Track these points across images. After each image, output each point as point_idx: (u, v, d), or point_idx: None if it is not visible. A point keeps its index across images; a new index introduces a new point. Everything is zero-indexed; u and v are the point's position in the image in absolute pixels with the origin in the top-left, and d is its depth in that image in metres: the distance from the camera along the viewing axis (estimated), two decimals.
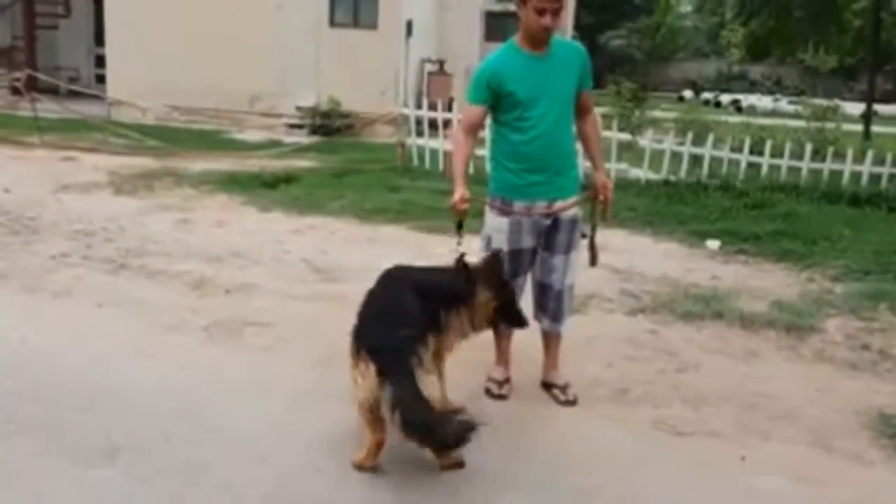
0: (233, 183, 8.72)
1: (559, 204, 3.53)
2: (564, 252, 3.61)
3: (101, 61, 16.29)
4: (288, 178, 9.05)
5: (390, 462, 3.11)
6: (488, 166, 3.99)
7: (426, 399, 2.86)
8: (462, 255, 3.33)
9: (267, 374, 3.94)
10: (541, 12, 3.28)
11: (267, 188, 8.60)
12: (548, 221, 3.56)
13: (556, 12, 3.30)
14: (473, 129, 3.57)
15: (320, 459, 3.15)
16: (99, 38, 16.44)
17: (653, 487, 2.92)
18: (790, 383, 4.09)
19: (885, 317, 5.10)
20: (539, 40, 3.42)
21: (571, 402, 3.70)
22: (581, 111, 3.65)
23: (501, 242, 3.57)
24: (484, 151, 7.43)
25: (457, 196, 3.37)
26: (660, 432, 3.46)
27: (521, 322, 3.47)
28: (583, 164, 5.41)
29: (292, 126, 14.45)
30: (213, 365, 4.01)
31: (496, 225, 3.61)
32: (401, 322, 3.08)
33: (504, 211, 3.58)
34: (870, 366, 4.40)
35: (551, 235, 3.59)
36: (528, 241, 3.60)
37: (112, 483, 2.92)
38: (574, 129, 3.69)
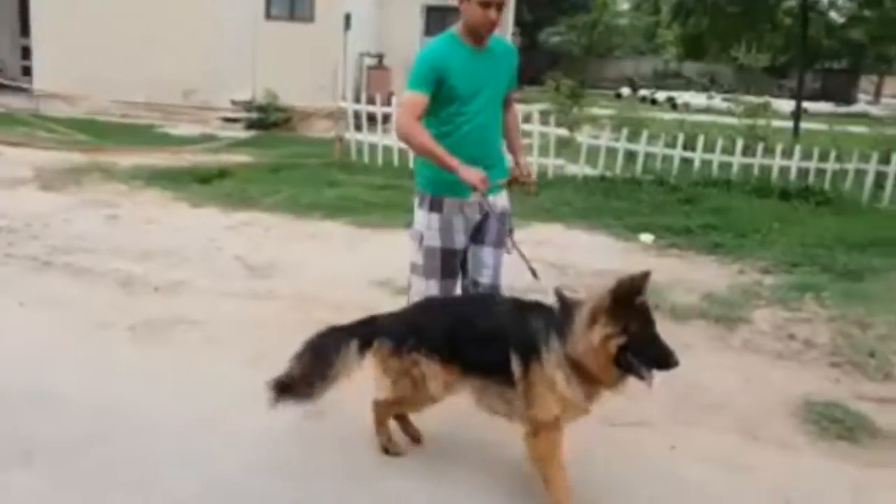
0: (164, 178, 8.51)
1: (491, 198, 3.35)
2: (494, 245, 3.50)
3: (27, 53, 15.75)
4: (222, 173, 8.87)
5: (320, 459, 3.07)
6: (413, 161, 3.85)
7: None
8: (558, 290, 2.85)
9: (195, 373, 3.83)
10: (486, 6, 3.18)
11: (200, 183, 8.41)
12: (479, 217, 3.45)
13: (500, 7, 3.21)
14: (420, 119, 3.31)
15: (251, 457, 3.08)
16: (25, 29, 15.90)
17: (584, 477, 2.91)
18: (720, 373, 4.16)
19: (811, 307, 5.24)
20: (482, 35, 3.31)
21: None
22: (505, 106, 3.59)
23: (433, 240, 3.43)
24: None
25: (476, 175, 3.10)
26: (592, 423, 3.47)
27: (667, 357, 2.58)
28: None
29: (228, 120, 14.22)
30: (139, 364, 3.89)
31: (427, 222, 3.44)
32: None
33: (434, 207, 3.43)
34: (796, 355, 4.51)
35: (481, 228, 3.48)
36: (460, 240, 3.46)
37: (29, 486, 2.80)
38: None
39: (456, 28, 3.36)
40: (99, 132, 11.60)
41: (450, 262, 3.47)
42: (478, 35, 3.30)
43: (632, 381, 2.66)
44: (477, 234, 3.49)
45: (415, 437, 3.26)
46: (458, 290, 3.59)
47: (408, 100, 3.29)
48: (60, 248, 5.73)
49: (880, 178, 9.16)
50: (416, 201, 3.51)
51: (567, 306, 2.69)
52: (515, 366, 2.71)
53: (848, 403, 3.85)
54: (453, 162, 3.14)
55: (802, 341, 4.68)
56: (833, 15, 22.80)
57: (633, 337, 2.51)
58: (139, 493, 2.81)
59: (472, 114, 3.33)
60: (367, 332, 3.01)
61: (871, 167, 9.08)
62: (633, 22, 41.01)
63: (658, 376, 2.62)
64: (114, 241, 6.00)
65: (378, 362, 2.96)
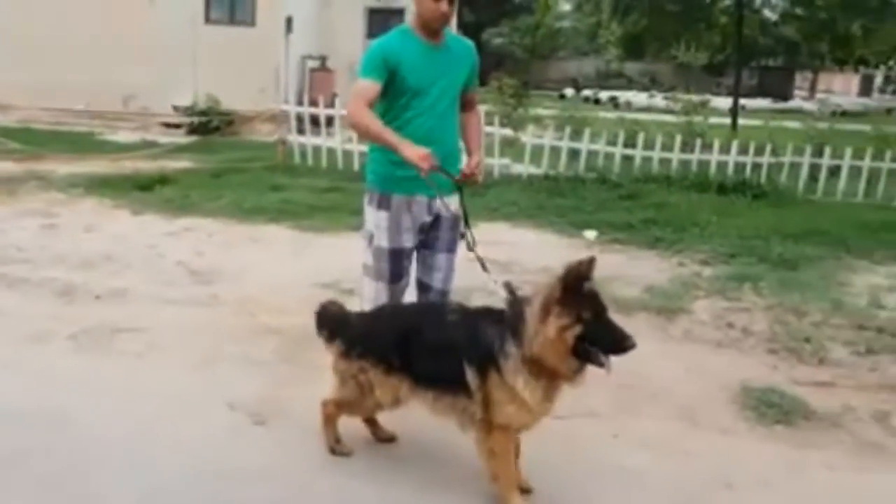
0: (104, 186, 8.34)
1: (441, 199, 3.30)
2: (446, 250, 3.48)
3: None
4: (163, 180, 8.73)
5: (264, 463, 3.05)
6: (363, 160, 3.81)
7: None
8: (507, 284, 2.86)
9: (138, 380, 3.78)
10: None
11: (140, 190, 8.26)
12: (428, 218, 3.41)
13: (452, 0, 3.18)
14: (370, 106, 3.26)
15: (195, 463, 3.04)
16: None
17: (528, 469, 2.94)
18: (662, 363, 4.24)
19: (749, 296, 5.39)
20: (435, 29, 3.27)
21: None
22: (465, 107, 3.55)
23: (382, 240, 3.40)
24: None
25: (418, 152, 3.04)
26: None
27: (622, 341, 2.56)
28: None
29: (169, 126, 14.00)
30: (81, 374, 3.81)
31: (376, 220, 3.40)
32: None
33: (383, 204, 3.39)
34: (734, 343, 4.63)
35: (432, 233, 3.44)
36: (408, 240, 3.41)
37: None
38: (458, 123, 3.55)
39: (410, 22, 3.33)
40: (34, 141, 11.29)
41: (398, 263, 3.43)
42: (430, 29, 3.27)
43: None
44: (429, 238, 3.45)
45: (388, 438, 3.25)
46: (409, 293, 3.55)
47: (359, 86, 3.25)
48: None
49: (814, 171, 9.44)
50: (366, 199, 3.48)
51: (517, 306, 2.68)
52: (471, 378, 2.69)
53: (784, 388, 3.97)
54: (398, 140, 3.11)
55: (741, 329, 4.81)
56: (768, 13, 23.45)
57: (588, 325, 2.49)
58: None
59: (424, 109, 3.29)
60: (331, 325, 3.04)
61: (805, 160, 9.36)
62: (574, 24, 41.57)
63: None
64: (52, 251, 5.86)
65: (332, 361, 2.95)
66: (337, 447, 3.12)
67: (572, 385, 2.65)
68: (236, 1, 14.16)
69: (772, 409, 3.74)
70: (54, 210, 7.26)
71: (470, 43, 3.57)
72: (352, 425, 3.21)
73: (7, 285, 5.07)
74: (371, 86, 3.21)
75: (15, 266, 5.46)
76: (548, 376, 2.60)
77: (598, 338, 2.52)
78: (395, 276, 3.44)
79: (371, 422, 3.24)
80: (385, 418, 3.24)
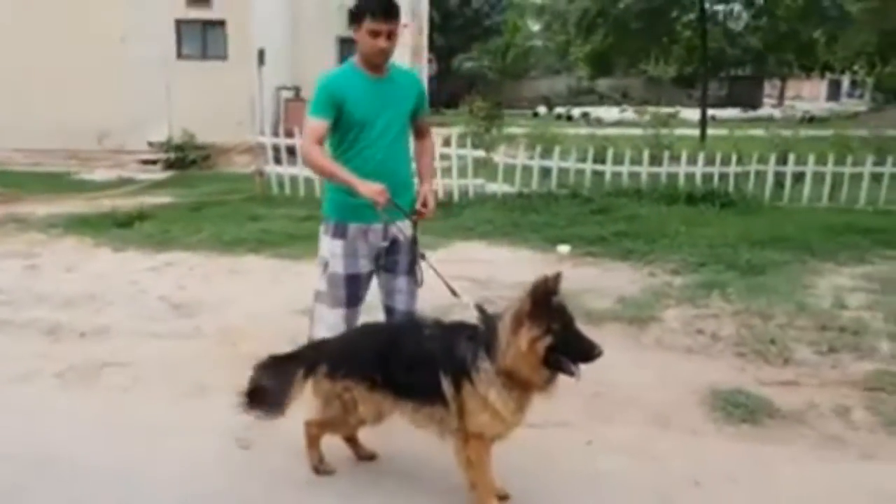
0: (83, 225, 8.42)
1: (396, 225, 3.46)
2: (406, 273, 3.59)
3: None
4: (142, 216, 8.80)
5: (249, 487, 3.17)
6: (319, 188, 3.86)
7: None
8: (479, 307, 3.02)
9: (125, 413, 3.88)
10: (375, 35, 3.28)
11: (120, 227, 8.34)
12: (385, 243, 3.53)
13: (391, 35, 3.31)
14: (321, 143, 3.42)
15: (183, 492, 3.15)
16: None
17: (504, 476, 3.05)
18: (632, 371, 4.40)
19: (717, 303, 5.57)
20: (376, 64, 3.39)
21: None
22: (418, 135, 3.71)
23: (337, 267, 3.51)
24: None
25: (373, 188, 3.20)
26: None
27: (590, 350, 2.71)
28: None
29: (145, 162, 14.10)
30: (69, 410, 3.91)
31: (331, 248, 3.52)
32: None
33: (338, 233, 3.51)
34: (703, 349, 4.80)
35: (391, 257, 3.56)
36: (365, 265, 3.53)
37: None
38: (411, 152, 3.71)
39: (355, 58, 3.45)
40: (11, 182, 11.33)
41: (354, 289, 3.54)
42: (372, 64, 3.39)
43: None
44: (388, 263, 3.56)
45: (367, 456, 3.37)
46: (360, 318, 3.62)
47: (309, 126, 3.40)
48: None
49: (780, 178, 9.69)
50: (322, 229, 3.59)
51: (489, 321, 2.84)
52: (447, 388, 2.82)
53: (751, 389, 4.15)
54: (352, 178, 3.26)
55: (710, 335, 4.98)
56: (732, 25, 23.91)
57: (558, 335, 2.64)
58: None
59: (373, 140, 3.41)
60: (312, 357, 3.15)
61: (770, 168, 9.60)
62: (544, 43, 42.11)
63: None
64: (35, 292, 5.94)
65: (313, 385, 3.07)
66: (321, 467, 3.24)
67: (544, 394, 2.79)
68: (208, 36, 14.33)
69: (738, 409, 3.91)
70: (35, 251, 7.33)
71: (414, 73, 3.73)
72: (334, 446, 3.33)
73: None
74: (320, 124, 3.36)
75: None
76: (520, 387, 2.75)
77: (567, 348, 2.67)
78: (352, 300, 3.55)
79: (352, 441, 3.37)
80: (365, 437, 3.37)
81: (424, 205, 3.47)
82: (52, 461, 3.37)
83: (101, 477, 3.26)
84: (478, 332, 2.84)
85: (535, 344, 2.63)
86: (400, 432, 3.36)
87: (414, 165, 3.75)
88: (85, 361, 4.53)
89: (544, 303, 2.64)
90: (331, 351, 3.12)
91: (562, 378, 2.81)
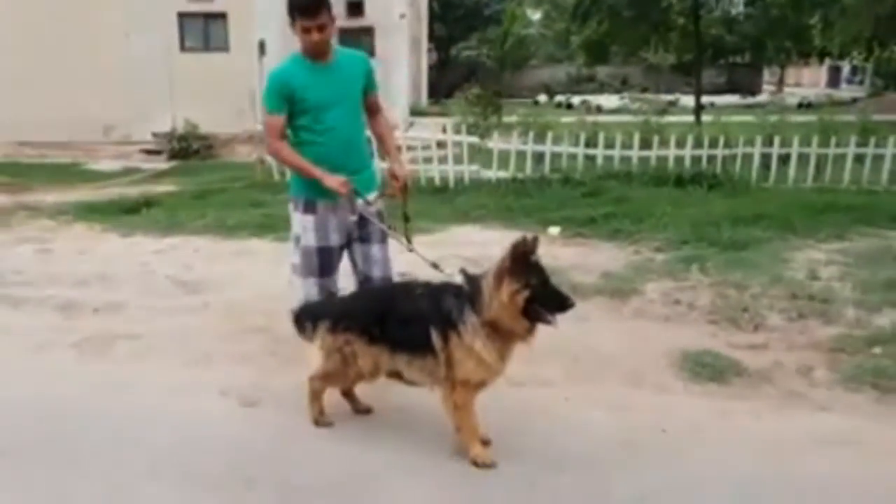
0: (91, 212, 8.74)
1: (360, 202, 3.75)
2: (380, 241, 3.89)
3: None
4: (148, 203, 9.13)
5: (257, 433, 3.49)
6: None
7: None
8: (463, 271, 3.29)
9: (138, 377, 4.18)
10: (306, 31, 3.56)
11: (127, 214, 8.67)
12: (354, 217, 3.81)
13: (321, 29, 3.57)
14: (283, 137, 3.74)
15: (194, 438, 3.47)
16: None
17: (488, 424, 3.35)
18: (611, 338, 4.71)
19: (696, 276, 5.86)
20: (314, 54, 3.67)
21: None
22: (371, 112, 3.97)
23: (309, 241, 3.80)
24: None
25: (336, 180, 3.55)
26: (496, 384, 3.93)
27: (564, 301, 3.06)
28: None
29: (149, 152, 14.42)
30: (87, 373, 4.23)
31: (302, 223, 3.80)
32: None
33: (309, 209, 3.77)
34: (679, 317, 5.10)
35: (364, 229, 3.84)
36: (335, 239, 3.81)
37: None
38: (368, 130, 4.02)
39: (299, 49, 3.73)
40: (20, 173, 11.69)
41: (327, 260, 3.85)
42: (312, 54, 3.67)
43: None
44: (361, 234, 3.86)
45: (364, 410, 3.69)
46: (337, 286, 3.95)
47: (267, 123, 3.74)
48: None
49: (766, 160, 9.96)
50: (291, 206, 3.89)
51: (473, 280, 3.17)
52: (436, 340, 3.15)
53: (721, 351, 4.44)
54: (317, 172, 3.60)
55: (686, 305, 5.27)
56: (729, 9, 24.13)
57: (535, 289, 2.97)
58: (98, 477, 3.18)
59: (328, 123, 3.70)
60: (314, 312, 3.49)
61: (756, 150, 9.87)
62: (542, 32, 42.23)
63: (554, 341, 3.21)
64: (49, 273, 6.25)
65: (317, 339, 3.40)
66: (320, 419, 3.56)
67: (525, 343, 3.13)
68: (210, 28, 14.63)
69: (706, 368, 4.21)
70: (47, 236, 7.65)
71: (361, 54, 3.96)
72: (332, 401, 3.65)
73: (11, 305, 5.46)
74: (276, 119, 3.69)
75: (16, 288, 5.85)
76: (502, 337, 3.09)
77: (544, 299, 3.01)
78: (325, 271, 3.87)
79: (350, 396, 3.68)
80: (361, 393, 3.69)
81: (395, 178, 3.77)
82: (73, 415, 3.69)
83: (118, 426, 3.58)
84: (462, 290, 3.15)
85: (515, 296, 2.96)
86: (393, 390, 3.71)
87: (375, 144, 4.01)
88: (99, 334, 4.84)
89: (523, 260, 2.97)
90: (332, 309, 3.44)
91: (545, 346, 3.19)
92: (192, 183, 10.85)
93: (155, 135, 14.44)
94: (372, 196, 3.87)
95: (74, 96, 14.07)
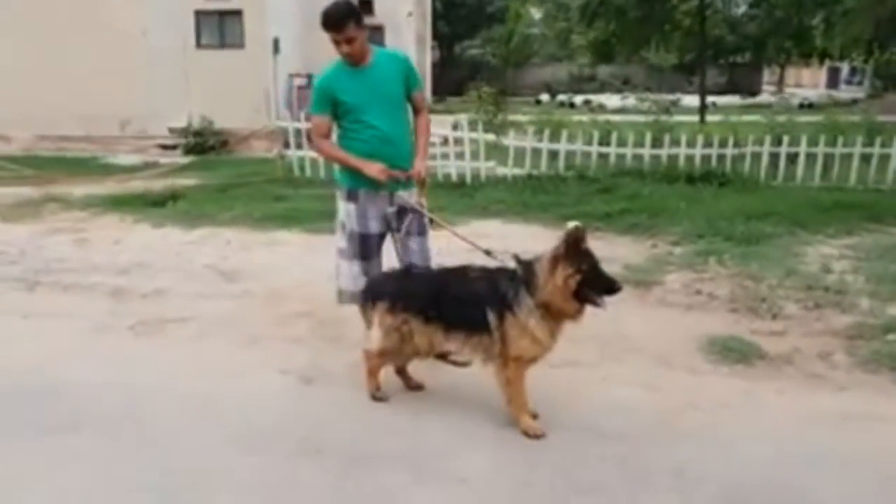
0: (120, 204, 8.98)
1: (404, 193, 4.09)
2: (417, 234, 4.18)
3: None
4: (174, 196, 9.37)
5: (316, 408, 3.75)
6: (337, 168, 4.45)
7: None
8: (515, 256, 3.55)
9: (197, 358, 4.45)
10: (336, 43, 3.91)
11: (155, 206, 8.90)
12: (391, 209, 4.14)
13: (350, 41, 3.87)
14: (327, 137, 4.14)
15: (264, 413, 3.73)
16: None
17: (534, 400, 3.61)
18: (639, 324, 4.98)
19: (714, 268, 6.13)
20: (351, 61, 3.99)
21: (468, 363, 4.06)
22: (415, 110, 4.28)
23: (353, 225, 4.15)
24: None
25: (374, 168, 3.91)
26: (536, 366, 4.19)
27: (612, 284, 3.36)
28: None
29: (165, 147, 14.64)
30: (147, 354, 4.50)
31: (346, 210, 4.15)
32: None
33: (352, 198, 4.12)
34: (701, 305, 5.36)
35: (402, 221, 4.13)
36: (375, 227, 4.14)
37: (84, 448, 3.40)
38: (410, 125, 4.29)
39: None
40: (43, 166, 11.92)
41: (367, 245, 4.18)
42: (349, 61, 3.99)
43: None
44: (400, 226, 4.15)
45: (416, 387, 3.95)
46: (379, 269, 4.24)
47: (313, 123, 4.18)
48: (43, 270, 6.21)
49: (774, 159, 10.23)
50: (338, 195, 4.24)
51: (527, 265, 3.44)
52: (492, 319, 3.42)
53: (744, 337, 4.71)
54: (357, 162, 3.98)
55: (707, 295, 5.54)
56: (733, 10, 24.44)
57: (586, 273, 3.26)
58: (179, 442, 3.44)
59: (371, 120, 4.02)
60: (372, 292, 3.77)
61: (765, 150, 10.15)
62: (544, 32, 42.45)
63: (586, 327, 3.45)
64: (90, 261, 6.50)
65: (376, 316, 3.65)
66: (377, 393, 3.82)
67: (575, 322, 3.41)
68: (225, 26, 14.85)
69: (732, 352, 4.47)
70: (80, 227, 7.89)
71: (400, 54, 4.28)
72: (386, 380, 3.91)
73: (62, 290, 5.72)
74: (321, 120, 4.12)
75: (62, 275, 6.10)
76: (554, 317, 3.37)
77: (594, 283, 3.30)
78: (366, 255, 4.20)
79: (403, 373, 3.95)
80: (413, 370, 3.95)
81: (416, 176, 4.10)
82: (143, 390, 3.95)
83: (188, 402, 3.83)
84: (516, 274, 3.42)
85: (568, 280, 3.23)
86: (443, 369, 3.97)
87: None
88: (151, 317, 5.11)
89: (575, 247, 3.24)
90: (392, 289, 3.70)
91: (577, 330, 3.49)
92: (213, 177, 11.09)
93: (171, 130, 14.67)
94: (412, 191, 4.15)
95: (92, 91, 14.30)
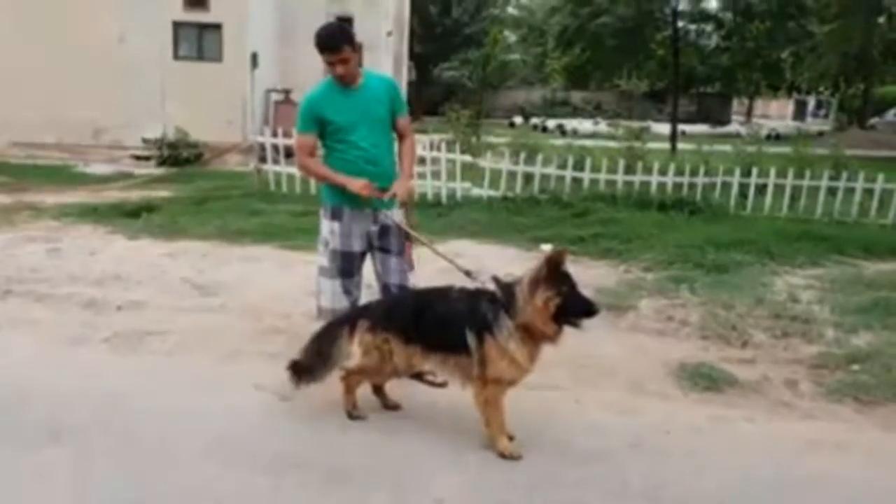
0: (94, 214, 8.92)
1: (383, 212, 4.15)
2: (397, 254, 4.25)
3: None
4: (149, 208, 9.33)
5: (290, 424, 3.77)
6: (314, 185, 4.51)
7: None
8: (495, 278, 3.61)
9: (174, 371, 4.45)
10: (330, 64, 4.01)
11: (130, 217, 8.85)
12: (374, 227, 4.20)
13: (344, 62, 3.99)
14: (312, 155, 4.21)
15: (239, 426, 3.74)
16: None
17: (509, 423, 3.67)
18: (612, 349, 5.07)
19: (685, 295, 6.25)
20: (344, 82, 4.08)
21: (445, 383, 4.14)
22: (400, 136, 4.35)
23: (336, 244, 4.21)
24: None
25: (357, 183, 3.98)
26: (512, 390, 4.23)
27: (590, 307, 3.45)
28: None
29: (139, 158, 14.55)
30: (123, 366, 4.49)
31: (330, 228, 4.20)
32: None
33: (336, 216, 4.18)
34: (673, 332, 5.47)
35: (384, 240, 4.20)
36: (357, 245, 4.20)
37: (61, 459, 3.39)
38: (395, 149, 4.39)
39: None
40: (14, 174, 11.79)
41: (349, 263, 4.24)
42: (340, 81, 4.08)
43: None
44: (381, 244, 4.22)
45: (393, 406, 3.99)
46: (358, 288, 4.33)
47: (299, 141, 4.22)
48: (16, 279, 6.14)
49: (744, 189, 10.44)
50: (322, 213, 4.29)
51: (506, 287, 3.50)
52: (471, 341, 3.47)
53: (714, 364, 4.81)
54: (340, 179, 4.06)
55: (678, 321, 5.65)
56: (704, 41, 24.96)
57: (566, 296, 3.34)
58: (150, 455, 3.44)
59: (357, 141, 4.10)
60: (354, 315, 3.80)
61: (735, 180, 10.36)
62: (521, 56, 42.92)
63: (559, 350, 3.52)
64: (65, 271, 6.45)
65: (356, 336, 3.69)
66: (354, 412, 3.85)
67: (553, 344, 3.47)
68: (204, 38, 14.85)
69: (703, 379, 4.57)
70: (54, 236, 7.81)
71: (388, 79, 4.42)
72: (364, 399, 3.94)
73: (35, 299, 5.67)
74: (306, 139, 4.18)
75: (36, 284, 6.05)
76: (533, 339, 3.43)
77: (573, 305, 3.38)
78: (348, 273, 4.26)
79: (380, 392, 3.99)
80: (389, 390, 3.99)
81: (399, 192, 4.17)
82: (121, 402, 3.94)
83: (164, 416, 3.82)
84: (496, 295, 3.48)
85: (548, 302, 3.30)
86: (419, 389, 4.02)
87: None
88: (127, 330, 5.09)
89: (556, 270, 3.30)
90: (373, 310, 3.75)
91: (552, 354, 3.57)
92: (188, 190, 11.05)
93: (145, 140, 14.59)
94: (394, 211, 4.23)
95: (65, 98, 14.19)
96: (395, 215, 4.21)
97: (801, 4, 21.22)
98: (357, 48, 4.12)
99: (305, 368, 3.79)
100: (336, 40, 3.97)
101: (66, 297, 5.75)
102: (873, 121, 36.72)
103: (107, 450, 3.48)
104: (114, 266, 6.68)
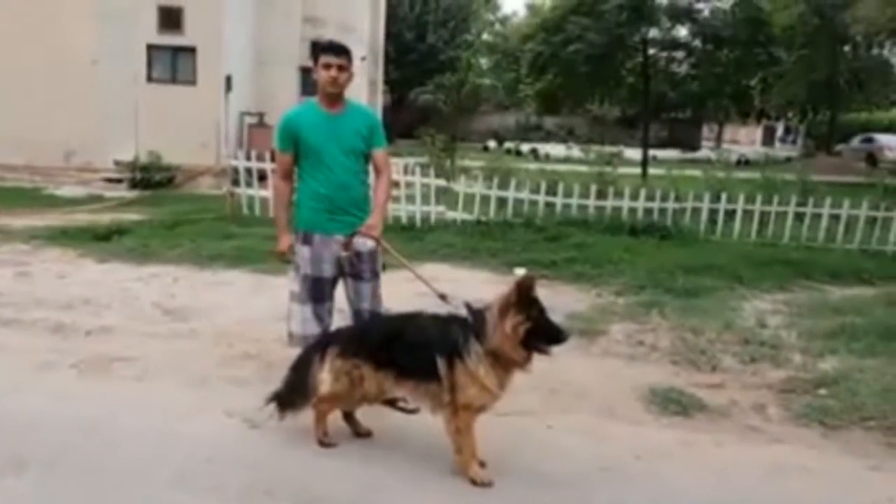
0: (64, 237, 8.84)
1: (357, 239, 4.10)
2: (369, 280, 4.25)
3: None
4: (120, 231, 9.25)
5: (257, 452, 3.74)
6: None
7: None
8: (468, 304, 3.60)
9: (143, 397, 4.40)
10: (327, 67, 4.02)
11: (100, 241, 8.79)
12: (345, 253, 4.17)
13: (342, 68, 4.05)
14: (288, 175, 4.24)
15: (207, 454, 3.69)
16: None
17: (481, 448, 3.67)
18: (584, 373, 5.10)
19: (656, 320, 6.31)
20: (332, 97, 4.10)
21: (416, 409, 4.11)
22: (376, 170, 4.30)
23: (306, 269, 4.21)
24: None
25: (283, 245, 4.20)
26: (483, 416, 4.23)
27: (559, 333, 3.44)
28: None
29: (110, 180, 14.43)
30: (91, 393, 4.42)
31: (301, 254, 4.20)
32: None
33: (307, 241, 4.17)
34: (644, 356, 5.52)
35: (357, 266, 4.20)
36: (328, 270, 4.19)
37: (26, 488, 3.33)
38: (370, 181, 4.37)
39: (317, 97, 4.20)
40: None
41: (320, 288, 4.24)
42: (329, 97, 4.11)
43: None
44: (354, 271, 4.21)
45: (365, 433, 3.96)
46: (330, 314, 4.32)
47: (277, 159, 4.31)
48: None
49: (713, 214, 10.60)
50: (293, 238, 4.28)
51: (477, 313, 3.50)
52: (441, 367, 3.46)
53: (684, 389, 4.85)
54: (280, 226, 4.30)
55: (649, 346, 5.71)
56: (674, 68, 25.38)
57: (535, 321, 3.33)
58: (113, 486, 3.40)
59: (328, 165, 4.11)
60: (324, 342, 3.79)
61: (705, 205, 10.51)
62: (493, 82, 43.31)
63: (531, 375, 3.51)
64: (33, 295, 6.37)
65: (326, 363, 3.68)
66: (325, 439, 3.83)
67: (523, 371, 3.46)
68: (178, 61, 14.82)
69: (672, 404, 4.61)
70: (22, 259, 7.73)
71: (369, 110, 4.47)
72: (334, 426, 3.93)
73: (2, 324, 5.59)
74: (284, 157, 4.23)
75: (3, 308, 5.97)
76: (503, 365, 3.42)
77: (542, 332, 3.37)
78: (319, 298, 4.25)
79: (351, 419, 3.97)
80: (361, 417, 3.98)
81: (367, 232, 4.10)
82: (89, 429, 3.89)
83: (132, 443, 3.78)
84: (467, 321, 3.49)
85: (517, 328, 3.31)
86: (391, 415, 4.01)
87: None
88: (95, 356, 5.02)
89: (525, 296, 3.32)
90: (343, 336, 3.75)
91: (523, 379, 3.56)
92: (160, 213, 10.98)
93: (117, 163, 14.47)
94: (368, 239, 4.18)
95: (36, 120, 14.06)
96: (369, 243, 4.19)
97: (768, 33, 21.72)
98: (352, 73, 4.18)
99: (287, 399, 3.78)
100: (342, 46, 4.12)
101: (34, 321, 5.68)
102: (839, 147, 37.40)
103: (73, 478, 3.43)
104: (83, 290, 6.62)
